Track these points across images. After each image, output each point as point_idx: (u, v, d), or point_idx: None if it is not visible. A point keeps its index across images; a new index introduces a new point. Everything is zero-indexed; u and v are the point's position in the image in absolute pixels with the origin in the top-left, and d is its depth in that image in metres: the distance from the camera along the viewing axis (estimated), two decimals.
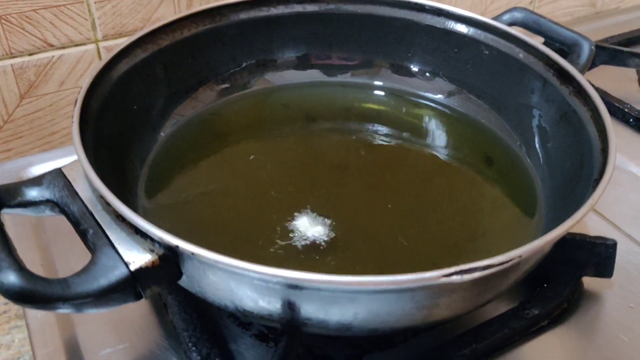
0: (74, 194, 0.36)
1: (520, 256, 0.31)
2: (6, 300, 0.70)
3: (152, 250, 0.32)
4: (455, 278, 0.29)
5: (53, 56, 0.60)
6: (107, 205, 0.34)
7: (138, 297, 0.33)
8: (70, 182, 0.37)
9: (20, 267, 0.30)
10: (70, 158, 0.55)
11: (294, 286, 0.30)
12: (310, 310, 0.32)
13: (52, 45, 0.60)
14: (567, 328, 0.43)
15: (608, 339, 0.42)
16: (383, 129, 0.52)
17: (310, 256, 0.40)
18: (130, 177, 0.45)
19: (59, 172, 0.37)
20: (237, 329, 0.42)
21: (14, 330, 0.65)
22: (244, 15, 0.53)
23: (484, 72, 0.52)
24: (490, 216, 0.45)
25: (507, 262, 0.30)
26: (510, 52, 0.50)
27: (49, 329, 0.42)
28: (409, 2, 0.53)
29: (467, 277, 0.29)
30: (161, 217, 0.43)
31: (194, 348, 0.38)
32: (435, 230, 0.44)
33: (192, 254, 0.30)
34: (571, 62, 0.50)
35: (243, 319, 0.41)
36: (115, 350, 0.40)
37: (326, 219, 0.43)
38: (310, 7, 0.54)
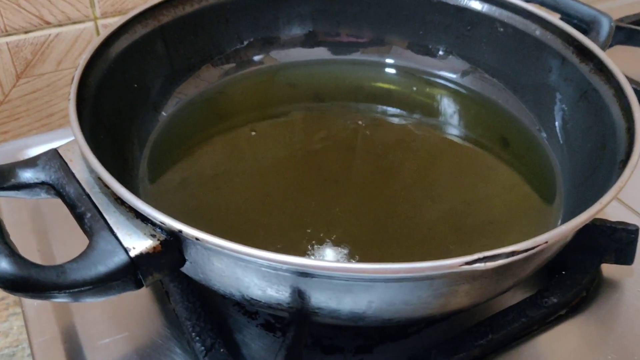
0: (71, 175, 0.34)
1: (546, 242, 0.29)
2: None
3: (153, 236, 0.31)
4: (478, 265, 0.27)
5: (50, 34, 0.58)
6: (105, 187, 0.32)
7: (138, 285, 0.31)
8: (66, 163, 0.35)
9: (12, 253, 0.29)
10: (67, 140, 0.53)
11: (305, 274, 0.28)
12: (321, 299, 0.30)
13: (49, 23, 0.58)
14: (586, 317, 0.41)
15: (628, 327, 0.40)
16: (394, 109, 0.50)
17: (320, 241, 0.38)
18: (131, 159, 0.43)
19: (54, 153, 0.35)
20: (242, 318, 0.40)
21: (12, 318, 0.63)
22: None
23: (499, 50, 0.49)
24: (508, 200, 0.43)
25: (532, 248, 0.28)
26: (526, 29, 0.48)
27: (45, 316, 0.40)
28: None
29: (490, 264, 0.27)
30: (163, 200, 0.41)
31: (197, 338, 0.37)
32: (450, 214, 0.42)
33: (197, 239, 0.28)
34: (590, 37, 0.47)
35: (249, 308, 0.40)
36: (114, 340, 0.39)
37: (335, 202, 0.41)
38: None
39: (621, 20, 0.72)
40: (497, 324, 0.39)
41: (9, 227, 0.41)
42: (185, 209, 0.41)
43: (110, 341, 0.39)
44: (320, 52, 0.53)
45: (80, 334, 0.39)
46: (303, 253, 0.38)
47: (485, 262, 0.27)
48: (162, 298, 0.41)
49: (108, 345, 0.38)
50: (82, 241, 0.32)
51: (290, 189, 0.43)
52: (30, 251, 0.44)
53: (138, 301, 0.41)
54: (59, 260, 0.42)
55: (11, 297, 0.65)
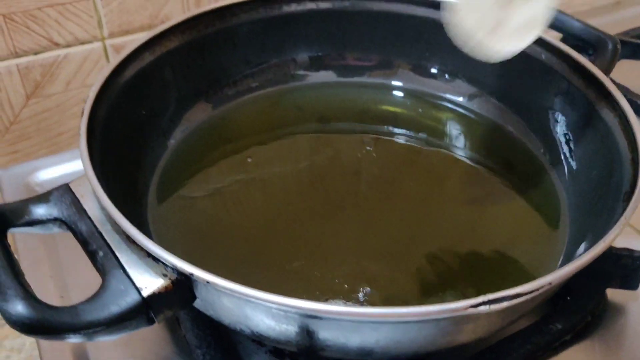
0: (82, 212, 0.35)
1: (550, 283, 0.29)
2: None
3: (164, 275, 0.31)
4: (482, 308, 0.28)
5: (59, 55, 0.59)
6: (116, 225, 0.33)
7: (150, 322, 0.32)
8: (78, 199, 0.35)
9: (28, 295, 0.29)
10: (76, 162, 0.54)
11: (313, 316, 0.29)
12: (329, 337, 0.31)
13: (57, 44, 0.58)
14: (591, 342, 0.41)
15: (634, 352, 0.41)
16: (400, 132, 0.51)
17: (327, 271, 0.39)
18: (140, 186, 0.44)
19: (66, 188, 0.36)
20: (252, 346, 0.40)
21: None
22: (255, 14, 0.51)
23: (505, 73, 0.50)
24: (513, 225, 0.44)
25: (536, 290, 0.29)
26: (532, 52, 0.48)
27: (59, 343, 0.40)
28: (426, 0, 0.51)
29: (494, 307, 0.28)
30: (172, 227, 0.42)
31: None
32: (456, 240, 0.42)
33: (207, 282, 0.29)
34: (594, 62, 0.48)
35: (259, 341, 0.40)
36: None
37: (341, 229, 0.42)
38: (324, 5, 0.52)
39: (627, 33, 0.72)
40: (503, 350, 0.39)
41: (22, 256, 0.42)
42: (194, 236, 0.41)
43: None
44: (327, 75, 0.54)
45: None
46: (309, 284, 0.38)
47: (489, 304, 0.28)
48: (173, 325, 0.42)
49: None
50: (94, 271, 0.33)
51: (297, 214, 0.43)
52: (43, 277, 0.44)
53: (149, 328, 0.41)
54: (72, 290, 0.43)
55: None
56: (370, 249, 0.41)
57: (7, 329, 0.65)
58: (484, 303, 0.28)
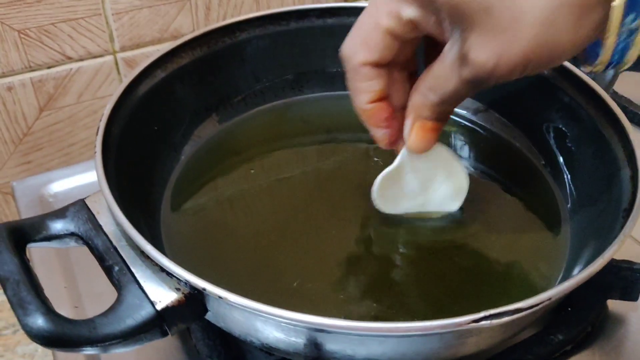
0: (98, 227, 0.36)
1: (549, 299, 0.30)
2: None
3: (178, 289, 0.32)
4: (484, 323, 0.29)
5: (71, 68, 0.60)
6: (131, 241, 0.34)
7: (164, 334, 0.33)
8: (94, 215, 0.37)
9: (47, 310, 0.30)
10: (89, 174, 0.55)
11: (321, 330, 0.30)
12: (336, 349, 0.32)
13: (70, 58, 0.60)
14: (592, 352, 0.42)
15: None
16: None
17: (337, 285, 0.40)
18: (153, 200, 0.45)
19: (82, 204, 0.37)
20: (260, 355, 0.41)
21: None
22: (263, 30, 0.52)
23: (508, 89, 0.51)
24: (515, 237, 0.45)
25: (536, 305, 0.30)
26: None
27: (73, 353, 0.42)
28: None
29: (495, 321, 0.29)
30: (184, 240, 0.43)
31: None
32: (458, 251, 0.43)
33: (220, 297, 0.30)
34: (596, 77, 0.49)
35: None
36: None
37: (351, 243, 0.43)
38: (331, 21, 0.53)
39: None
40: None
41: (37, 266, 0.43)
42: (205, 251, 0.43)
43: None
44: (334, 88, 0.55)
45: None
46: (318, 296, 0.39)
47: (491, 319, 0.29)
48: (184, 335, 0.43)
49: None
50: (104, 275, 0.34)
51: (306, 226, 0.44)
52: (57, 291, 0.46)
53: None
54: (85, 300, 0.45)
55: None
56: (375, 262, 0.42)
57: (20, 335, 0.66)
58: (485, 318, 0.29)
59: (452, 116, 0.53)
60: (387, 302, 0.39)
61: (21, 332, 0.66)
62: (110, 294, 0.33)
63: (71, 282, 0.46)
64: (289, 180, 0.49)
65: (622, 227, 0.35)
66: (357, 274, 0.41)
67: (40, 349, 0.65)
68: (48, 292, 0.33)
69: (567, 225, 0.44)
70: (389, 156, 0.51)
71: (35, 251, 0.48)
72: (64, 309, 0.43)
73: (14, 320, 0.67)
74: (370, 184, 0.44)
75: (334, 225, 0.44)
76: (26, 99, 0.59)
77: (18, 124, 0.60)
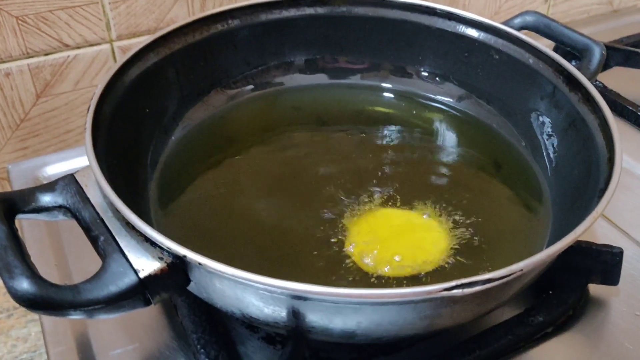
0: (86, 200, 0.37)
1: (521, 270, 0.31)
2: None
3: (161, 258, 0.33)
4: (456, 292, 0.29)
5: (68, 56, 0.61)
6: (117, 212, 0.35)
7: (147, 303, 0.34)
8: (82, 188, 0.37)
9: (33, 274, 0.31)
10: (83, 158, 0.56)
11: (298, 297, 0.31)
12: (314, 319, 0.33)
13: (67, 45, 0.61)
14: (572, 335, 0.43)
15: (613, 346, 0.42)
16: (394, 132, 0.53)
17: (320, 263, 0.41)
18: (142, 181, 0.46)
19: (71, 178, 0.38)
20: (245, 332, 0.42)
21: (31, 324, 0.67)
22: (255, 18, 0.53)
23: (493, 76, 0.52)
24: (498, 221, 0.46)
25: (507, 276, 0.31)
26: (520, 57, 0.50)
27: (62, 328, 0.43)
28: (420, 6, 0.53)
29: (467, 290, 0.30)
30: (172, 221, 0.44)
31: (202, 350, 0.39)
32: (443, 233, 0.44)
33: (199, 264, 0.31)
34: (581, 67, 0.49)
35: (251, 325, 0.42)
36: (125, 351, 0.42)
37: (337, 224, 0.44)
38: (322, 10, 0.54)
39: (621, 40, 0.74)
40: (485, 340, 0.41)
41: (28, 240, 0.44)
42: (193, 229, 0.43)
43: (121, 352, 0.41)
44: (323, 77, 0.56)
45: (94, 345, 0.42)
46: (303, 272, 0.40)
47: (462, 288, 0.30)
48: (170, 311, 0.44)
49: (120, 356, 0.41)
50: (94, 254, 0.35)
51: (294, 210, 0.45)
52: (48, 264, 0.46)
53: (148, 314, 0.44)
54: (75, 277, 0.46)
55: None
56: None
57: (13, 320, 0.67)
58: (457, 287, 0.29)
59: (436, 103, 0.54)
60: (369, 277, 0.39)
61: (15, 316, 0.67)
62: None
63: (61, 260, 0.47)
64: (278, 164, 0.50)
65: (596, 205, 0.35)
66: (342, 255, 0.41)
67: (33, 332, 0.66)
68: (39, 269, 0.34)
69: (549, 209, 0.45)
70: (376, 144, 0.52)
71: (27, 228, 0.49)
72: None
73: (9, 304, 0.68)
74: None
75: (323, 206, 0.45)
76: (23, 85, 0.60)
77: (15, 109, 0.61)
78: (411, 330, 0.34)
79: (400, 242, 0.43)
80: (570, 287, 0.44)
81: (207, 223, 0.44)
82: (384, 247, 0.42)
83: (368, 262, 0.40)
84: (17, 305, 0.70)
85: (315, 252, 0.42)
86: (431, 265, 0.41)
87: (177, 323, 0.43)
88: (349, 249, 0.42)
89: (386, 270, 0.40)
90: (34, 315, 0.67)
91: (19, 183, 0.54)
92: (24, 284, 0.31)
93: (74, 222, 0.39)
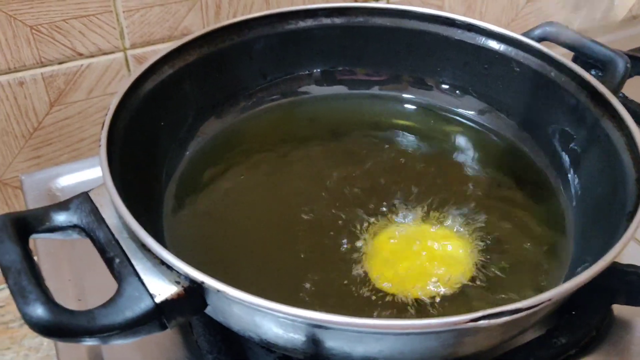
0: (101, 220, 0.36)
1: (549, 299, 0.30)
2: None
3: (177, 282, 0.33)
4: (482, 323, 0.29)
5: (82, 65, 0.61)
6: (133, 233, 0.34)
7: (163, 328, 0.33)
8: (97, 208, 0.37)
9: (47, 299, 0.31)
10: (97, 169, 0.55)
11: (319, 326, 0.30)
12: (334, 346, 0.32)
13: (81, 54, 0.60)
14: (595, 357, 0.42)
15: None
16: (412, 145, 0.52)
17: (338, 282, 0.40)
18: (156, 196, 0.45)
19: (86, 197, 0.37)
20: (261, 352, 0.42)
21: None
22: (271, 29, 0.52)
23: (514, 89, 0.50)
24: (519, 238, 0.44)
25: (536, 306, 0.30)
26: (541, 70, 0.49)
27: (75, 346, 0.42)
28: (439, 16, 0.52)
29: (494, 321, 0.29)
30: (186, 237, 0.43)
31: None
32: (464, 251, 0.43)
33: (218, 290, 0.30)
34: (605, 81, 0.48)
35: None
36: None
37: (355, 241, 0.43)
38: (339, 20, 0.53)
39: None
40: None
41: (41, 257, 0.44)
42: (207, 245, 0.43)
43: None
44: (340, 88, 0.55)
45: None
46: (321, 295, 0.39)
47: (489, 319, 0.29)
48: (185, 330, 0.43)
49: None
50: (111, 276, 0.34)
51: (311, 225, 0.44)
52: (62, 284, 0.46)
53: (163, 332, 0.43)
54: (89, 293, 0.45)
55: None
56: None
57: (26, 329, 0.66)
58: (483, 317, 0.29)
59: (456, 116, 0.53)
60: (389, 302, 0.39)
61: None
62: (114, 288, 0.33)
63: (75, 275, 0.46)
64: (293, 178, 0.49)
65: (626, 229, 0.34)
66: (361, 275, 0.41)
67: (46, 342, 0.65)
68: (52, 285, 0.33)
69: (571, 228, 0.44)
70: (394, 156, 0.51)
71: (41, 244, 0.48)
72: (67, 302, 0.43)
73: None
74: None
75: (340, 223, 0.44)
76: (37, 94, 0.60)
77: (29, 118, 0.61)
78: (433, 358, 0.33)
79: (420, 263, 0.42)
80: (594, 307, 0.43)
81: (222, 240, 0.43)
82: (404, 268, 0.41)
83: (387, 285, 0.39)
84: None
85: (332, 273, 0.41)
86: (453, 283, 0.40)
87: (192, 342, 0.42)
88: (367, 268, 0.41)
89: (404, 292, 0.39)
90: None
91: (32, 194, 0.53)
92: (39, 310, 0.30)
93: (87, 239, 0.38)
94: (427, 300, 0.39)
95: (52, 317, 0.30)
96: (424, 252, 0.42)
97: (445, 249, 0.43)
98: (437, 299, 0.39)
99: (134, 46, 0.62)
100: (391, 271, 0.41)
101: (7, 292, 0.69)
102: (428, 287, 0.40)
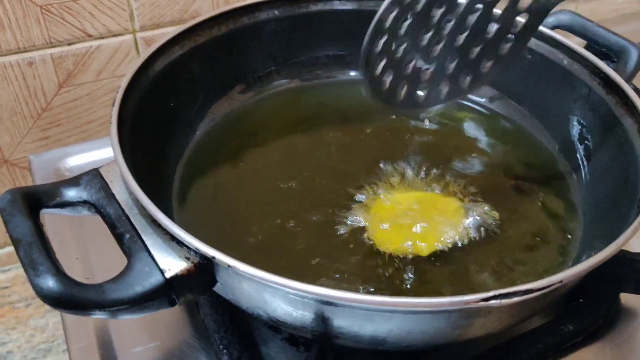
0: (111, 196, 0.36)
1: (561, 281, 0.30)
2: None
3: (187, 258, 0.33)
4: (493, 302, 0.28)
5: (91, 46, 0.61)
6: (143, 209, 0.34)
7: (172, 304, 0.33)
8: (107, 184, 0.37)
9: (58, 272, 0.31)
10: (105, 150, 0.56)
11: (329, 303, 0.30)
12: (343, 324, 0.32)
13: (90, 36, 0.60)
14: (602, 345, 0.42)
15: None
16: (422, 129, 0.51)
17: (346, 260, 0.40)
18: (165, 176, 0.45)
19: (96, 173, 0.37)
20: (267, 332, 0.42)
21: (49, 314, 0.67)
22: (281, 12, 0.52)
23: (526, 77, 0.50)
24: (529, 224, 0.44)
25: (547, 287, 0.29)
26: (554, 57, 0.48)
27: (83, 325, 0.42)
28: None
29: (505, 301, 0.29)
30: (195, 217, 0.43)
31: (225, 350, 0.39)
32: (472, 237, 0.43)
33: (229, 265, 0.30)
34: (618, 69, 0.48)
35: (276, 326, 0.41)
36: (146, 349, 0.41)
37: (362, 223, 0.43)
38: (350, 5, 0.53)
39: None
40: (513, 348, 0.40)
41: (49, 235, 0.44)
42: (215, 225, 0.43)
43: (142, 349, 0.41)
44: (351, 73, 0.55)
45: (115, 342, 0.41)
46: (328, 272, 0.39)
47: (500, 299, 0.29)
48: (192, 310, 0.43)
49: (141, 354, 0.41)
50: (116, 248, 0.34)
51: (319, 206, 0.44)
52: (69, 263, 0.46)
53: (169, 312, 0.43)
54: (97, 272, 0.45)
55: None
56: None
57: (32, 309, 0.67)
58: (495, 297, 0.28)
59: (468, 102, 0.53)
60: (401, 282, 0.38)
61: (34, 305, 0.67)
62: (121, 266, 0.33)
63: (83, 254, 0.47)
64: (302, 160, 0.48)
65: (637, 216, 0.34)
66: (373, 254, 0.40)
67: (51, 322, 0.66)
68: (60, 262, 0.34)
69: (582, 214, 0.44)
70: (405, 141, 0.51)
71: (48, 222, 0.48)
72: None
73: (27, 294, 0.68)
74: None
75: (347, 204, 0.44)
76: (46, 75, 0.60)
77: (37, 99, 0.61)
78: (442, 339, 0.33)
79: (420, 217, 0.42)
80: (602, 295, 0.43)
81: (232, 222, 0.43)
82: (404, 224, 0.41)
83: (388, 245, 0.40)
84: (35, 294, 0.70)
85: (341, 251, 0.41)
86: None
87: (199, 321, 0.42)
88: (371, 233, 0.41)
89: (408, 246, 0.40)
90: None
91: (40, 174, 0.54)
92: (49, 282, 0.30)
93: (96, 216, 0.38)
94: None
95: (62, 289, 0.30)
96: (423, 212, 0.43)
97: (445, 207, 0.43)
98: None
99: (143, 28, 0.62)
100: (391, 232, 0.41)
101: (12, 272, 0.70)
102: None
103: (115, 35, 0.61)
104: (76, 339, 0.41)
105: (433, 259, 0.41)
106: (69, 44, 0.60)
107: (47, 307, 0.67)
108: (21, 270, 0.70)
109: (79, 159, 0.55)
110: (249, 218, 0.43)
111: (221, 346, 0.39)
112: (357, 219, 0.43)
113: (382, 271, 0.39)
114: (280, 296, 0.31)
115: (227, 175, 0.47)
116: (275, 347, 0.41)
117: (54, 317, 0.66)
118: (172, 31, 0.47)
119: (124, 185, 0.36)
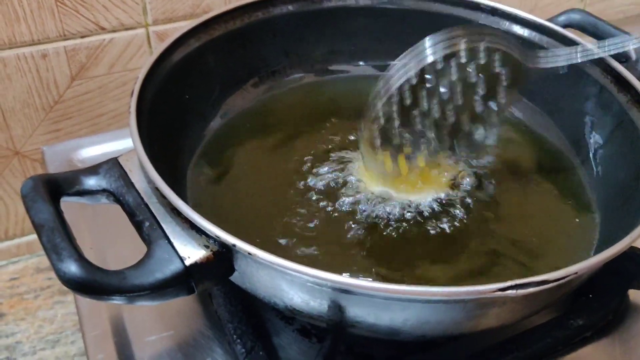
0: (130, 184, 0.36)
1: (576, 273, 0.30)
2: (50, 275, 0.73)
3: (207, 246, 0.33)
4: (510, 292, 0.29)
5: (104, 39, 0.61)
6: (162, 198, 0.35)
7: (190, 291, 0.33)
8: (126, 173, 0.37)
9: (80, 257, 0.31)
10: (117, 142, 0.56)
11: (346, 291, 0.30)
12: (360, 314, 0.32)
13: (104, 29, 0.60)
14: (611, 340, 0.42)
15: None
16: None
17: (360, 254, 0.40)
18: (180, 167, 0.45)
19: (115, 162, 0.38)
20: (280, 323, 0.42)
21: (58, 306, 0.67)
22: (296, 7, 0.53)
23: (537, 74, 0.50)
24: (543, 221, 0.45)
25: (563, 278, 0.30)
26: None
27: (97, 312, 0.43)
28: (464, 0, 0.52)
29: (521, 291, 0.29)
30: (210, 207, 0.44)
31: (238, 340, 0.39)
32: (487, 233, 0.43)
33: (249, 253, 0.30)
34: (629, 67, 0.48)
35: (288, 314, 0.42)
36: (160, 337, 0.41)
37: (374, 218, 0.43)
38: (363, 1, 0.54)
39: None
40: (523, 342, 0.40)
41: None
42: (230, 217, 0.43)
43: (156, 338, 0.41)
44: (364, 69, 0.55)
45: (129, 330, 0.42)
46: (345, 262, 0.39)
47: (517, 289, 0.29)
48: (205, 300, 0.43)
49: (154, 342, 0.41)
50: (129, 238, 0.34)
51: (334, 198, 0.45)
52: (82, 246, 0.46)
53: (183, 301, 0.43)
54: (110, 262, 0.45)
55: (56, 286, 0.69)
56: (411, 234, 0.42)
57: (41, 300, 0.67)
58: (511, 287, 0.29)
59: None
60: (422, 272, 0.39)
61: (42, 297, 0.68)
62: (135, 257, 0.34)
63: (97, 244, 0.47)
64: (316, 153, 0.49)
65: None
66: (391, 244, 0.41)
67: (60, 313, 0.66)
68: None
69: (595, 210, 0.44)
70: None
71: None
72: None
73: (36, 285, 0.69)
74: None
75: (360, 201, 0.45)
76: (59, 67, 0.60)
77: (50, 91, 0.61)
78: (457, 329, 0.33)
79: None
80: (612, 291, 0.43)
81: (246, 214, 0.44)
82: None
83: None
84: (44, 286, 0.70)
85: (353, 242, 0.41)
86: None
87: (212, 312, 0.43)
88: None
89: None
90: (61, 297, 0.68)
91: (53, 165, 0.54)
92: (72, 267, 0.30)
93: (110, 206, 0.38)
94: None
95: (85, 273, 0.30)
96: None
97: None
98: None
99: (156, 22, 0.62)
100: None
101: (21, 264, 0.70)
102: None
103: (128, 29, 0.62)
104: (91, 326, 0.42)
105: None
106: (82, 37, 0.60)
107: (55, 298, 0.68)
108: (30, 262, 0.70)
109: (92, 151, 0.55)
110: (264, 212, 0.44)
111: (235, 336, 0.39)
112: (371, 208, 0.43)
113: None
114: (297, 285, 0.32)
115: (241, 169, 0.47)
116: (287, 338, 0.41)
117: (62, 308, 0.67)
118: (185, 25, 0.47)
119: (143, 174, 0.37)
